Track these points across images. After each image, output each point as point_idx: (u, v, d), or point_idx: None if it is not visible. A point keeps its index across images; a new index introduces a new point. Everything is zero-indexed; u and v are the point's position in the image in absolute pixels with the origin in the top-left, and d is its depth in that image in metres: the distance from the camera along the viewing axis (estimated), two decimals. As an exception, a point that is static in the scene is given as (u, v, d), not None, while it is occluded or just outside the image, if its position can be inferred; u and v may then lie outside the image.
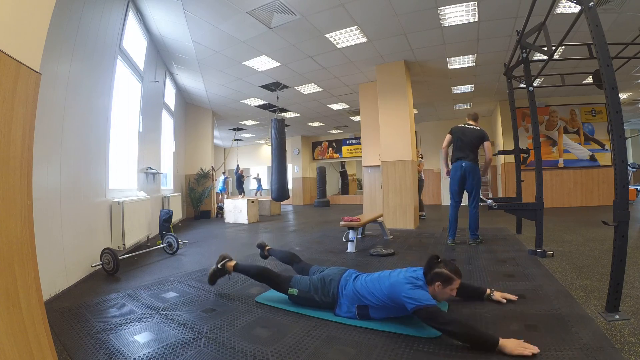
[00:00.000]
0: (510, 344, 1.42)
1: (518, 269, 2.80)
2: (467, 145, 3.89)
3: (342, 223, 3.94)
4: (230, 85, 6.96)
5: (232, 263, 2.43)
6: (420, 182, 7.00)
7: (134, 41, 4.48)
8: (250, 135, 13.24)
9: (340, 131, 12.85)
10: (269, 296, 2.31)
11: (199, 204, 8.38)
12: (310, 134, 13.63)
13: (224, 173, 11.95)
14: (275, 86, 6.99)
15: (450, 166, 4.07)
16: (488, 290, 2.08)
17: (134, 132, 4.67)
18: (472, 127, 3.99)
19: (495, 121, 9.51)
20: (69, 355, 1.57)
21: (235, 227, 6.59)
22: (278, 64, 5.84)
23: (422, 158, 7.29)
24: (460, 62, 5.91)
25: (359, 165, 13.55)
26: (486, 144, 3.90)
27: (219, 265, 2.44)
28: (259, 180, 14.00)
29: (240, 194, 11.08)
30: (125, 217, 3.60)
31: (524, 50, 3.38)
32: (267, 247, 2.98)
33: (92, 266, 3.02)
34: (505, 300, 2.04)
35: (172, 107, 7.23)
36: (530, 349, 1.40)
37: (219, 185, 11.09)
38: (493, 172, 10.17)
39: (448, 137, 4.05)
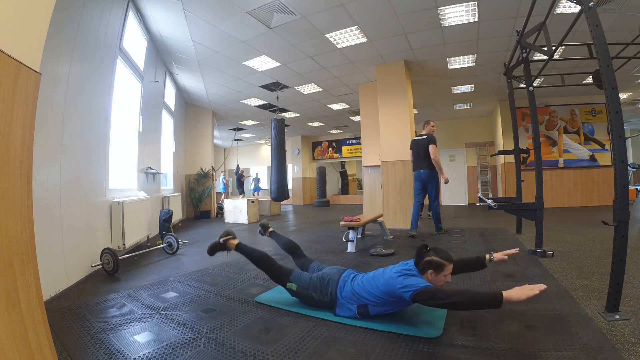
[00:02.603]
0: (515, 293, 1.39)
1: (518, 269, 2.80)
2: (419, 155, 4.66)
3: (342, 223, 3.94)
4: (230, 85, 6.95)
5: (235, 242, 2.41)
6: None
7: (134, 41, 4.48)
8: (250, 135, 13.24)
9: (340, 131, 12.85)
10: (269, 296, 2.31)
11: (199, 204, 8.38)
12: (310, 134, 13.63)
13: (222, 172, 11.93)
14: (275, 86, 6.99)
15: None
16: (487, 256, 1.97)
17: (134, 132, 4.67)
18: (420, 137, 4.70)
19: (495, 121, 9.51)
20: (69, 355, 1.57)
21: (235, 227, 6.58)
22: (278, 64, 5.84)
23: None
24: (460, 62, 5.91)
25: (359, 165, 13.54)
26: (430, 146, 4.54)
27: (221, 240, 2.41)
28: (257, 180, 13.94)
29: (240, 194, 11.08)
30: (125, 217, 3.60)
31: (524, 50, 3.38)
32: (270, 229, 2.87)
33: (92, 266, 3.02)
34: (506, 257, 1.96)
35: (172, 107, 7.23)
36: (537, 288, 1.38)
37: (219, 185, 11.09)
38: (493, 172, 10.18)
39: (410, 151, 4.83)
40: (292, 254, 2.55)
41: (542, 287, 1.37)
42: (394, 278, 1.75)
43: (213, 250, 2.46)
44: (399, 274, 1.76)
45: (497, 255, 1.96)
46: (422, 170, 4.62)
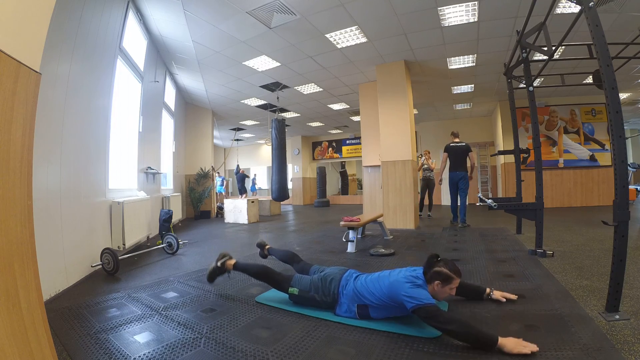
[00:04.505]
0: (510, 343, 1.42)
1: (518, 269, 2.80)
2: (458, 160, 5.52)
3: (342, 223, 3.94)
4: (230, 85, 6.96)
5: (232, 262, 2.43)
6: (431, 182, 7.08)
7: (134, 41, 4.48)
8: (250, 135, 13.24)
9: (340, 131, 12.85)
10: (269, 296, 2.31)
11: (199, 204, 8.38)
12: (310, 134, 13.63)
13: (218, 173, 11.96)
14: (275, 86, 6.99)
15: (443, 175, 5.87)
16: (488, 290, 2.08)
17: (134, 132, 4.67)
18: (459, 144, 5.58)
19: (495, 121, 9.51)
20: (69, 355, 1.57)
21: (235, 227, 6.59)
22: (278, 64, 5.84)
23: (433, 158, 7.40)
24: (460, 62, 5.91)
25: (359, 165, 13.55)
26: (470, 154, 5.55)
27: (219, 264, 2.43)
28: (252, 181, 14.00)
29: (242, 195, 11.08)
30: (125, 217, 3.60)
31: (524, 50, 3.38)
32: (267, 247, 2.97)
33: (92, 266, 3.02)
34: (504, 299, 2.04)
35: (172, 107, 7.23)
36: (530, 347, 1.41)
37: (217, 184, 11.11)
38: (493, 172, 10.18)
39: (444, 154, 5.65)
40: (291, 263, 2.56)
41: (535, 349, 1.41)
42: (400, 282, 1.74)
43: (212, 275, 2.46)
44: (407, 280, 1.75)
45: (496, 294, 2.06)
46: (458, 172, 5.50)
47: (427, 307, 1.58)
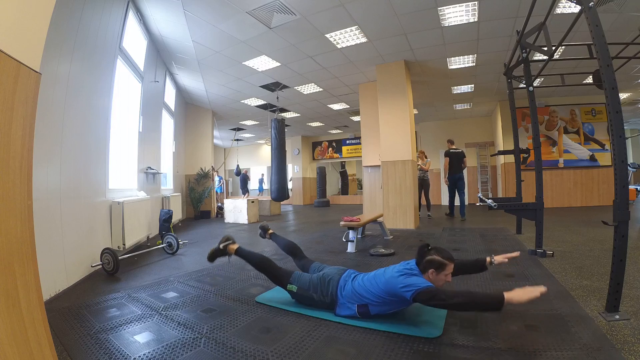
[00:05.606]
0: (517, 295, 1.41)
1: (518, 269, 2.80)
2: (457, 164, 6.51)
3: (342, 223, 3.94)
4: (230, 85, 6.95)
5: (235, 246, 2.42)
6: (425, 182, 7.04)
7: (134, 41, 4.48)
8: (250, 135, 13.24)
9: (340, 131, 12.85)
10: (269, 296, 2.31)
11: (199, 204, 8.38)
12: (310, 134, 13.62)
13: (217, 172, 11.99)
14: (275, 86, 6.99)
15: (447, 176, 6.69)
16: (488, 259, 1.96)
17: (134, 132, 4.67)
18: (456, 151, 6.58)
19: (495, 121, 9.51)
20: (69, 355, 1.57)
21: (235, 227, 6.59)
22: (278, 64, 5.84)
23: (427, 158, 7.36)
24: (460, 62, 5.91)
25: (359, 165, 13.54)
26: (464, 159, 6.61)
27: (221, 246, 2.42)
28: (261, 181, 14.07)
29: (244, 194, 11.08)
30: (125, 217, 3.60)
31: (524, 50, 3.38)
32: (270, 231, 2.87)
33: (92, 266, 3.02)
34: (507, 260, 1.95)
35: (172, 107, 7.23)
36: (538, 290, 1.39)
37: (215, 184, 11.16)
38: (493, 172, 10.18)
39: (447, 159, 6.59)
40: (293, 255, 2.54)
41: (543, 289, 1.39)
42: (395, 277, 1.75)
43: (213, 256, 2.46)
44: (400, 273, 1.76)
45: (498, 258, 1.95)
46: (456, 174, 6.46)
47: (426, 290, 1.59)
